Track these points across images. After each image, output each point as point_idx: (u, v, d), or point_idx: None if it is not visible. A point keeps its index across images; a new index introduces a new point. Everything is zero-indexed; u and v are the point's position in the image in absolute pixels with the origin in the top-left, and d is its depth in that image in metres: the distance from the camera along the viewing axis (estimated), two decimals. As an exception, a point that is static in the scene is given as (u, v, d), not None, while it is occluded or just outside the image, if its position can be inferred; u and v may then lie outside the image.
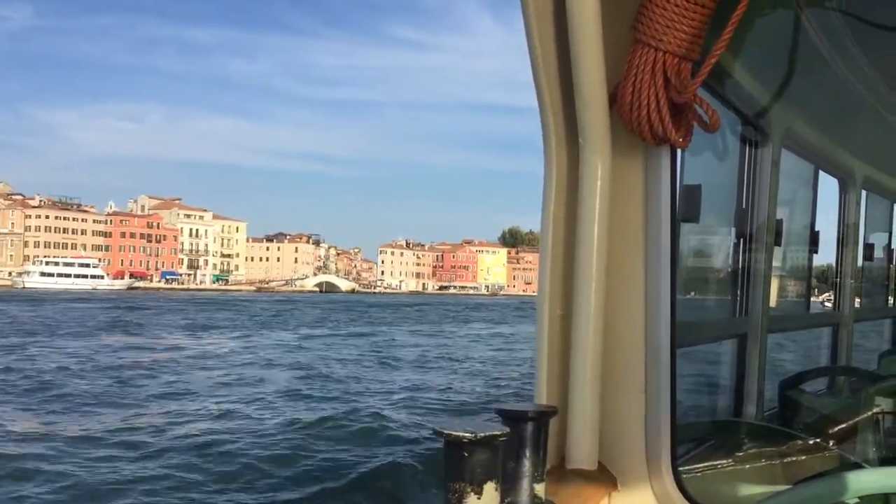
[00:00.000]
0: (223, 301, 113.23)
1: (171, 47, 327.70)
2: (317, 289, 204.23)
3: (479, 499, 1.62)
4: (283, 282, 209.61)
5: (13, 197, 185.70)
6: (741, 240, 4.08)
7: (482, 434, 1.61)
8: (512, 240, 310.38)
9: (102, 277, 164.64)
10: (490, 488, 1.63)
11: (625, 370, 2.56)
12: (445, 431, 1.62)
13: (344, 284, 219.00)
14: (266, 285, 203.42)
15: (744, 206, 3.99)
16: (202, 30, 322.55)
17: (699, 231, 3.66)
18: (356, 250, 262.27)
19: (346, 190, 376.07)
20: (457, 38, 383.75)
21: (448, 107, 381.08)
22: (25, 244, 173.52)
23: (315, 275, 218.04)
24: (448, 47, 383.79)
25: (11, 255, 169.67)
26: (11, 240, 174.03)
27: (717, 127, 2.35)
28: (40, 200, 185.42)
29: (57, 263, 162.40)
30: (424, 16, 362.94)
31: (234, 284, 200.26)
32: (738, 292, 4.13)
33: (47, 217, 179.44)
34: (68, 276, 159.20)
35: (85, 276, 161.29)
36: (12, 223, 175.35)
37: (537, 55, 2.38)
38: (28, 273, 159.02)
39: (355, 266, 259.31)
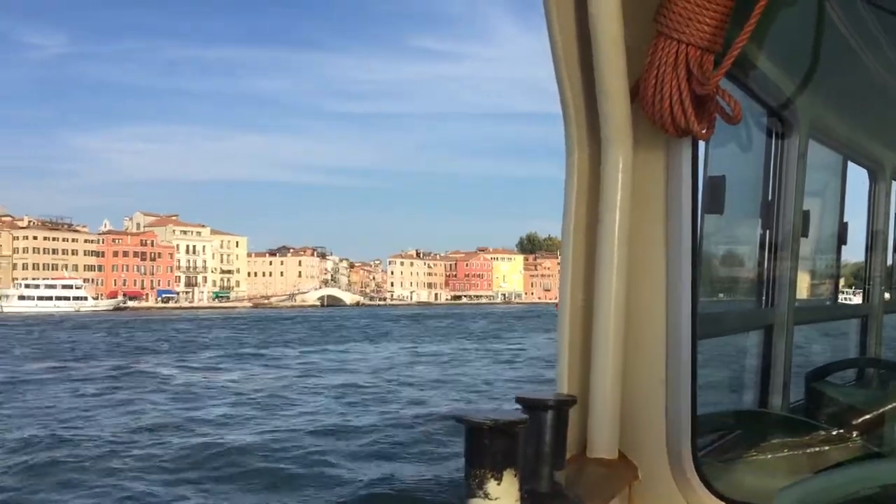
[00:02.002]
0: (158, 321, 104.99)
1: (192, 67, 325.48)
2: (319, 303, 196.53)
3: (498, 484, 1.65)
4: (284, 297, 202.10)
5: (2, 219, 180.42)
6: (767, 231, 4.01)
7: (501, 421, 1.64)
8: (530, 246, 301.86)
9: (86, 299, 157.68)
10: (509, 474, 1.66)
11: (645, 361, 2.57)
12: (466, 418, 1.66)
13: (348, 297, 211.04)
14: (265, 301, 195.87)
15: (770, 198, 3.95)
16: (223, 49, 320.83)
17: (724, 223, 3.62)
18: (376, 262, 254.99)
19: (361, 202, 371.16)
20: (479, 47, 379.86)
21: (469, 116, 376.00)
22: (14, 266, 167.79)
23: (320, 289, 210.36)
24: (471, 56, 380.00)
25: (0, 279, 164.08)
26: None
27: (739, 118, 2.34)
28: (29, 221, 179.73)
29: (38, 286, 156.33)
30: (447, 26, 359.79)
31: (235, 301, 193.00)
32: (764, 284, 4.10)
33: (35, 238, 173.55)
34: (49, 298, 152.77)
35: (67, 298, 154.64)
36: (0, 245, 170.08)
37: (558, 49, 2.39)
38: (6, 297, 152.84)
39: (373, 278, 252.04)
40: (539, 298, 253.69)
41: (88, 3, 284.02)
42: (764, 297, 4.13)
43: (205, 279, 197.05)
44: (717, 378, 4.09)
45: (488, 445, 1.65)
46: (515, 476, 1.68)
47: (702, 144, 2.55)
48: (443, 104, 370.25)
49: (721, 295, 4.27)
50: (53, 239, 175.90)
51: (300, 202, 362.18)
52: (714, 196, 3.08)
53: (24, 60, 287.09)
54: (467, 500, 1.69)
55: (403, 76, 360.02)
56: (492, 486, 1.66)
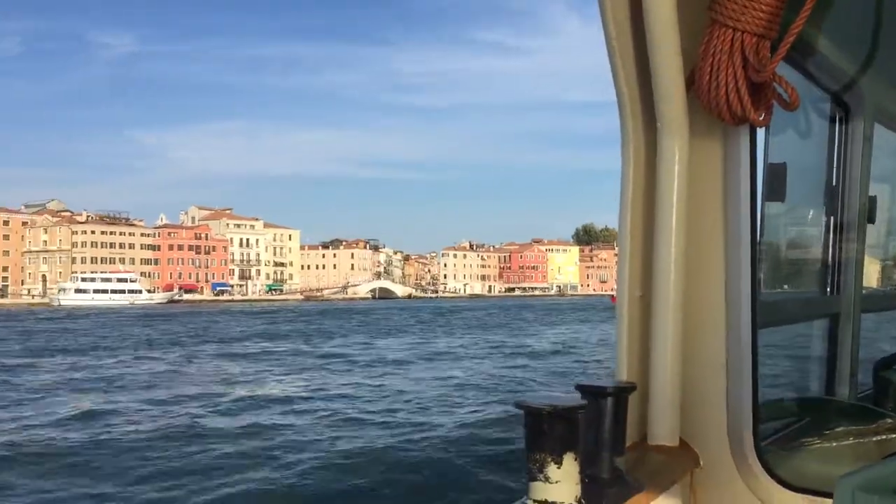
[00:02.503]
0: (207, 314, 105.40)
1: (255, 65, 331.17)
2: (370, 295, 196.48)
3: (559, 468, 1.69)
4: (336, 289, 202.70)
5: (61, 214, 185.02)
6: (832, 218, 3.92)
7: (560, 406, 1.68)
8: (586, 237, 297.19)
9: (140, 292, 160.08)
10: (569, 458, 1.70)
11: (705, 349, 2.58)
12: (526, 404, 1.70)
13: (400, 290, 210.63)
14: (316, 294, 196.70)
15: (834, 184, 3.87)
16: (286, 46, 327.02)
17: (787, 210, 3.62)
18: (432, 255, 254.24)
19: (415, 195, 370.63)
20: (542, 39, 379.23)
21: (531, 107, 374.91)
22: (73, 260, 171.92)
23: (372, 281, 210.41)
24: (531, 48, 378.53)
25: (60, 272, 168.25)
26: (60, 257, 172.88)
27: (797, 105, 2.33)
28: (87, 216, 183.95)
29: (93, 279, 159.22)
30: (507, 18, 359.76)
31: (287, 294, 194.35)
32: (830, 271, 4.02)
33: (93, 232, 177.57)
34: (105, 291, 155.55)
35: (122, 292, 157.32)
36: (60, 240, 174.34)
37: (613, 40, 2.39)
38: (64, 290, 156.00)
39: (429, 270, 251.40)
40: (594, 290, 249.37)
41: (156, 3, 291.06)
42: (829, 285, 4.02)
43: (258, 272, 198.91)
44: (782, 367, 4.07)
45: (548, 430, 1.68)
46: (576, 460, 1.71)
47: (761, 132, 2.52)
48: (502, 96, 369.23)
49: (784, 283, 4.24)
50: (111, 233, 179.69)
51: (354, 195, 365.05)
52: (775, 183, 3.03)
53: (95, 60, 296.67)
54: (528, 483, 1.72)
55: (463, 69, 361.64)
56: (552, 469, 1.69)
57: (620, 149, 2.55)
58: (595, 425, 2.05)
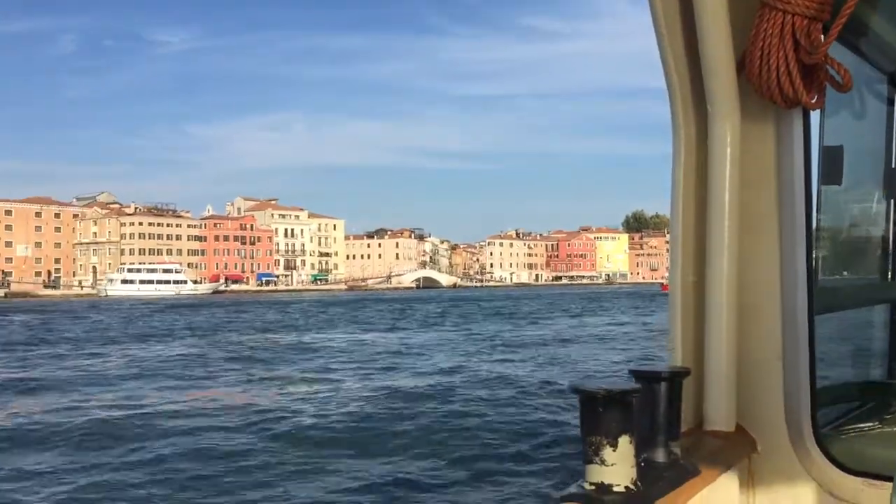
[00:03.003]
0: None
1: (316, 56, 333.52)
2: (414, 285, 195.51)
3: (614, 451, 1.71)
4: (380, 279, 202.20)
5: (110, 206, 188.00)
6: (892, 201, 3.86)
7: (615, 390, 1.70)
8: (636, 224, 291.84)
9: (186, 282, 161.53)
10: (625, 441, 1.72)
11: (761, 334, 2.58)
12: (580, 388, 1.72)
13: (445, 279, 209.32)
14: (360, 283, 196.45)
15: (893, 166, 3.78)
16: (344, 37, 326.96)
17: (843, 193, 3.53)
18: (481, 244, 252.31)
19: (462, 184, 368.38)
20: (593, 24, 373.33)
21: (581, 94, 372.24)
22: (122, 252, 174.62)
23: (416, 271, 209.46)
24: (585, 34, 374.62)
25: (109, 264, 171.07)
26: (109, 248, 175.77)
27: (850, 86, 2.31)
28: (136, 208, 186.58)
29: (139, 270, 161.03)
30: (560, 4, 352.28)
31: (331, 284, 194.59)
32: (890, 256, 3.97)
33: (140, 224, 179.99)
34: (151, 282, 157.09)
35: (168, 282, 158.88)
36: (109, 232, 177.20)
37: (661, 26, 2.38)
38: (111, 281, 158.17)
39: (477, 259, 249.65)
40: (643, 278, 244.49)
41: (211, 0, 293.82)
42: (890, 270, 3.96)
43: (303, 262, 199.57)
44: (842, 352, 4.00)
45: (602, 414, 1.70)
46: (631, 444, 1.72)
47: (815, 115, 2.50)
48: (551, 83, 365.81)
49: (843, 269, 4.12)
50: (158, 225, 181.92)
51: (399, 185, 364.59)
52: (831, 166, 2.96)
53: (154, 57, 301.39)
54: (584, 465, 1.74)
55: (514, 56, 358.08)
56: (608, 452, 1.71)
57: (672, 135, 2.52)
58: (650, 410, 2.06)
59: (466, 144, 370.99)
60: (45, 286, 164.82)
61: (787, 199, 2.49)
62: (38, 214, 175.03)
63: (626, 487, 1.75)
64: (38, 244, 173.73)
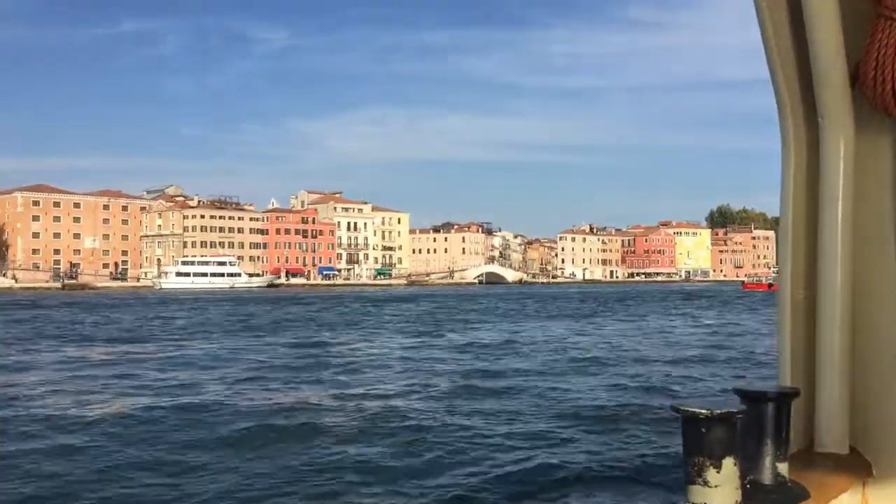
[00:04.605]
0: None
1: (409, 52, 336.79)
2: (477, 281, 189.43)
3: (718, 473, 1.67)
4: (443, 274, 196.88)
5: (175, 199, 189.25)
6: None
7: (718, 411, 1.66)
8: (721, 219, 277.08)
9: (240, 275, 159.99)
10: (729, 463, 1.68)
11: (877, 354, 2.48)
12: (682, 408, 1.68)
13: (510, 275, 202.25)
14: (422, 278, 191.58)
15: None
16: (437, 33, 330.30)
17: None
18: (553, 240, 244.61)
19: (535, 178, 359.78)
20: (690, 14, 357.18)
21: (670, 87, 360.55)
22: (185, 244, 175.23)
23: (480, 266, 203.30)
24: (681, 24, 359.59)
25: (172, 256, 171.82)
26: (172, 241, 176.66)
27: None
28: (199, 201, 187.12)
29: (192, 263, 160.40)
30: None
31: (392, 279, 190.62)
32: None
33: (203, 217, 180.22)
34: (205, 275, 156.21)
35: (222, 275, 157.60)
36: (173, 224, 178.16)
37: (770, 38, 2.35)
38: (166, 274, 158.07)
39: (556, 255, 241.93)
40: (726, 276, 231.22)
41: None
42: None
43: (366, 256, 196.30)
44: None
45: (705, 434, 1.66)
46: (735, 465, 1.68)
47: None
48: (642, 76, 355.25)
49: None
50: (220, 217, 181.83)
51: (469, 178, 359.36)
52: None
53: (253, 54, 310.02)
54: (687, 486, 1.70)
55: (611, 48, 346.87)
56: (711, 473, 1.67)
57: (780, 147, 2.49)
58: (756, 431, 2.00)
59: (548, 137, 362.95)
60: (112, 278, 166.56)
61: None
62: (105, 207, 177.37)
63: None
64: (105, 236, 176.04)
